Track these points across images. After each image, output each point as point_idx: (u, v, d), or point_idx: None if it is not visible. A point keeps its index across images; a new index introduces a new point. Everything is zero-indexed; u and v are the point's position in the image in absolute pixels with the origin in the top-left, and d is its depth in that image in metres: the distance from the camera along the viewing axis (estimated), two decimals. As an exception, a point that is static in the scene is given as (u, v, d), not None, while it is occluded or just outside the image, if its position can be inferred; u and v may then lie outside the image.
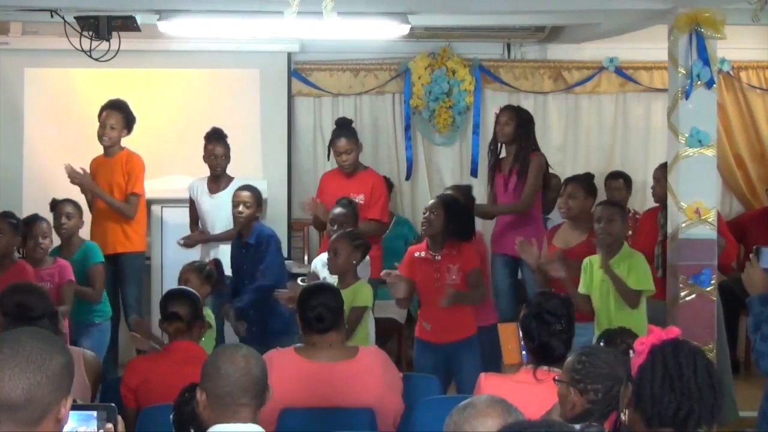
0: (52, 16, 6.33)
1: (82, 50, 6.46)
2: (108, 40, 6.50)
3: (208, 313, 5.63)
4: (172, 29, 6.50)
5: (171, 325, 4.62)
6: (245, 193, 6.32)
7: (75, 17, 6.42)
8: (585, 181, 6.27)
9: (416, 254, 5.74)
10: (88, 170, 6.89)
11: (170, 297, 4.78)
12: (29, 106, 7.96)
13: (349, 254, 5.44)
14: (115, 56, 6.55)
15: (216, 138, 6.88)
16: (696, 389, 2.63)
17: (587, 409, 3.18)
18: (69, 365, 2.33)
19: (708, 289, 5.86)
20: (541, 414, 3.32)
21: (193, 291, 4.95)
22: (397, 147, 8.30)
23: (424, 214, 5.71)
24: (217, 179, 6.91)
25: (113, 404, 2.68)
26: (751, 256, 4.26)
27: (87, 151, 7.79)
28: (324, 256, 5.91)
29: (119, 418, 2.59)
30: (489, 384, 3.93)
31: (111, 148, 6.92)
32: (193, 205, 6.97)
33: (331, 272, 5.50)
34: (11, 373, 2.23)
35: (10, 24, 7.84)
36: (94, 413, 2.58)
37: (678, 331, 2.72)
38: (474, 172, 8.24)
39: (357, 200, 6.57)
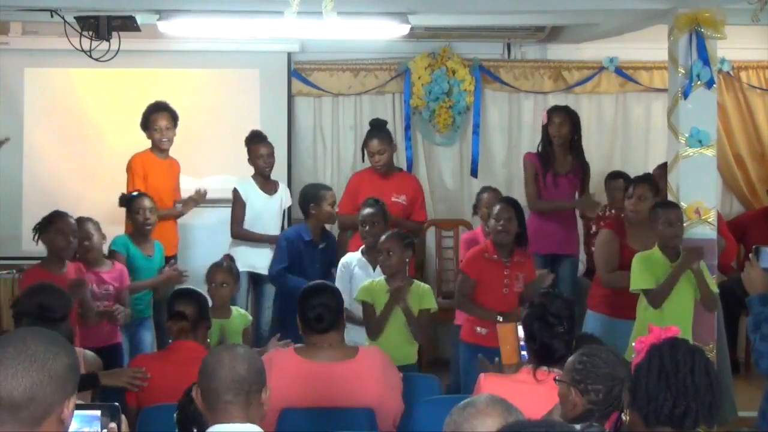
0: (52, 16, 6.33)
1: (82, 50, 6.46)
2: (108, 40, 6.50)
3: (242, 312, 5.66)
4: (172, 29, 6.50)
5: (176, 324, 4.62)
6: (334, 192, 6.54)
7: (75, 17, 6.42)
8: (651, 181, 6.14)
9: (485, 255, 5.63)
10: (133, 166, 6.84)
11: (178, 296, 4.78)
12: (29, 106, 7.95)
13: (402, 253, 5.44)
14: (115, 56, 6.55)
15: (260, 139, 6.91)
16: (693, 387, 2.63)
17: (588, 410, 3.19)
18: (74, 366, 2.33)
19: (708, 289, 5.85)
20: (542, 414, 3.32)
21: (201, 292, 4.93)
22: (397, 147, 8.30)
23: (496, 220, 5.59)
24: (267, 181, 6.94)
25: (116, 404, 2.68)
26: (750, 255, 4.27)
27: (87, 151, 7.83)
28: (356, 256, 5.88)
29: (123, 417, 2.59)
30: (489, 384, 3.93)
31: (167, 150, 6.93)
32: (239, 205, 6.91)
33: (385, 273, 5.43)
34: (14, 372, 2.23)
35: (10, 24, 7.83)
36: (98, 413, 2.58)
37: (677, 331, 2.73)
38: (474, 172, 8.24)
39: (398, 201, 6.64)
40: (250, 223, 6.90)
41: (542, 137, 7.02)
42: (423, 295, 5.41)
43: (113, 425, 2.54)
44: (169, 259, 6.72)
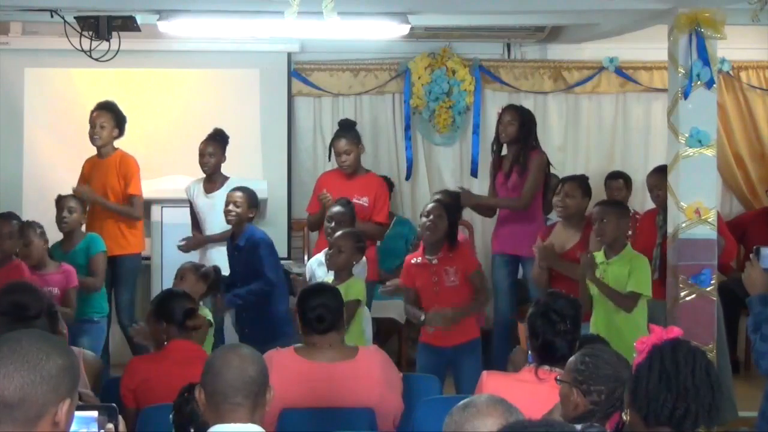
0: (52, 16, 6.33)
1: (82, 50, 6.46)
2: (108, 40, 6.49)
3: (206, 312, 5.64)
4: (172, 29, 6.49)
5: (193, 321, 4.62)
6: (237, 193, 6.32)
7: (75, 17, 6.41)
8: (582, 181, 6.32)
9: (413, 261, 5.75)
10: (81, 171, 6.93)
11: (173, 297, 4.78)
12: (29, 106, 7.95)
13: (352, 254, 5.54)
14: (115, 56, 6.55)
15: (208, 137, 6.89)
16: (693, 388, 2.63)
17: (589, 410, 3.18)
18: (69, 368, 2.31)
19: (708, 289, 5.86)
20: (543, 413, 3.32)
21: (185, 291, 4.95)
22: (397, 147, 8.30)
23: (426, 217, 5.67)
24: (212, 179, 6.90)
25: (114, 404, 2.67)
26: (751, 256, 4.27)
27: (87, 151, 7.79)
28: (320, 257, 5.91)
29: (120, 418, 2.58)
30: (491, 382, 3.94)
31: (103, 148, 6.94)
32: (192, 207, 6.97)
33: (330, 268, 5.54)
34: (6, 371, 2.23)
35: (10, 24, 7.84)
36: (95, 414, 2.57)
37: (679, 331, 2.73)
38: (474, 172, 8.24)
39: (361, 202, 6.61)
40: (200, 224, 6.91)
41: (494, 135, 7.08)
42: (348, 288, 5.41)
43: (110, 426, 2.53)
44: (118, 258, 6.79)
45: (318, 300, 4.32)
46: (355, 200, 6.53)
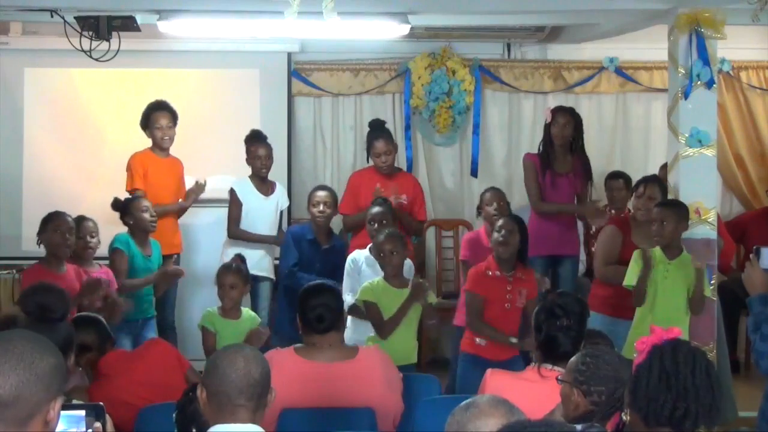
0: (52, 16, 6.33)
1: (82, 50, 6.46)
2: (108, 40, 6.50)
3: (251, 315, 5.60)
4: (172, 29, 6.50)
5: (82, 357, 4.55)
6: (324, 193, 6.44)
7: (75, 17, 6.42)
8: (662, 183, 6.19)
9: (488, 273, 5.56)
10: (135, 167, 6.87)
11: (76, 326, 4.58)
12: (29, 106, 7.95)
13: (403, 253, 5.51)
14: (115, 56, 6.55)
15: (258, 139, 6.89)
16: (693, 389, 2.63)
17: (590, 410, 3.18)
18: (60, 368, 2.34)
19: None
20: (545, 411, 3.33)
21: (95, 316, 4.91)
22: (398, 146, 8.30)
23: (498, 233, 5.56)
24: (264, 181, 6.92)
25: (101, 403, 2.67)
26: (751, 256, 4.26)
27: (87, 150, 7.82)
28: (364, 253, 5.88)
29: (108, 417, 2.59)
30: (495, 380, 3.95)
31: (168, 149, 6.94)
32: (236, 205, 6.90)
33: (392, 272, 5.44)
34: (1, 370, 2.25)
35: (10, 24, 7.83)
36: (83, 413, 2.58)
37: (679, 332, 2.73)
38: (474, 172, 8.24)
39: (400, 200, 6.65)
40: (246, 224, 6.88)
41: (544, 136, 6.97)
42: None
43: (98, 425, 2.54)
44: (169, 257, 6.71)
45: (318, 300, 4.31)
46: (395, 199, 6.58)
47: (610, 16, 6.76)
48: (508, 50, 8.46)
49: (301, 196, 7.85)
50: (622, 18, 6.71)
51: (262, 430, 2.97)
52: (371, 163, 6.94)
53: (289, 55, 8.16)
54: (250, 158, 6.89)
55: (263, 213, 6.91)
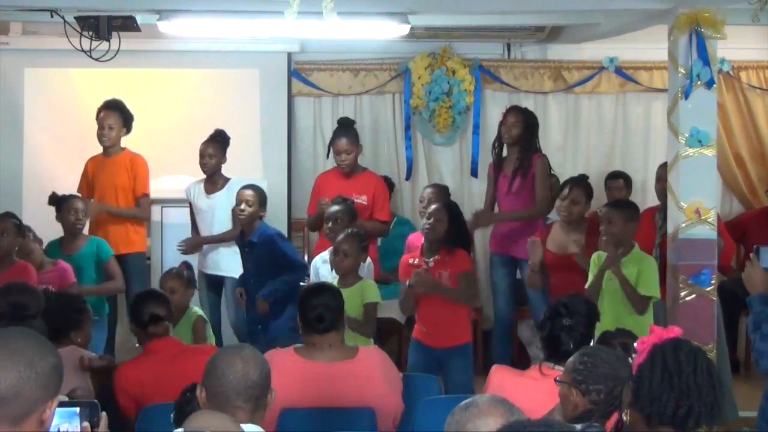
0: (52, 16, 6.32)
1: (82, 50, 6.45)
2: (108, 40, 6.49)
3: (196, 311, 5.70)
4: (172, 29, 6.49)
5: (157, 328, 4.62)
6: (248, 192, 6.34)
7: (75, 17, 6.41)
8: (587, 186, 6.32)
9: (410, 261, 5.73)
10: (83, 170, 6.91)
11: (147, 300, 4.78)
12: (29, 106, 7.95)
13: (358, 255, 5.54)
14: (115, 56, 6.54)
15: (209, 138, 6.93)
16: (695, 388, 2.63)
17: (589, 410, 3.18)
18: (59, 368, 2.35)
19: (708, 289, 5.85)
20: (547, 408, 3.33)
21: (159, 294, 5.01)
22: (397, 147, 8.30)
23: (427, 219, 5.66)
24: (212, 180, 6.92)
25: (95, 401, 2.68)
26: (751, 255, 4.27)
27: (87, 150, 7.79)
28: (324, 255, 5.92)
29: (103, 414, 2.59)
30: (498, 376, 3.99)
31: (111, 148, 6.96)
32: (192, 208, 6.97)
33: (338, 272, 5.50)
34: (2, 366, 2.24)
35: (10, 24, 7.83)
36: (77, 410, 2.58)
37: (679, 331, 2.73)
38: (474, 172, 8.24)
39: (359, 201, 6.62)
40: (203, 225, 6.94)
41: (496, 136, 7.05)
42: (363, 291, 5.48)
43: (86, 424, 2.54)
44: (124, 257, 6.78)
45: (318, 300, 4.32)
46: (354, 199, 6.54)
47: (610, 16, 6.76)
48: (508, 50, 8.46)
49: (300, 196, 7.86)
50: (622, 18, 6.71)
51: (261, 429, 2.97)
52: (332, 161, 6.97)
53: (289, 55, 8.16)
54: (199, 157, 6.93)
55: (210, 212, 6.90)
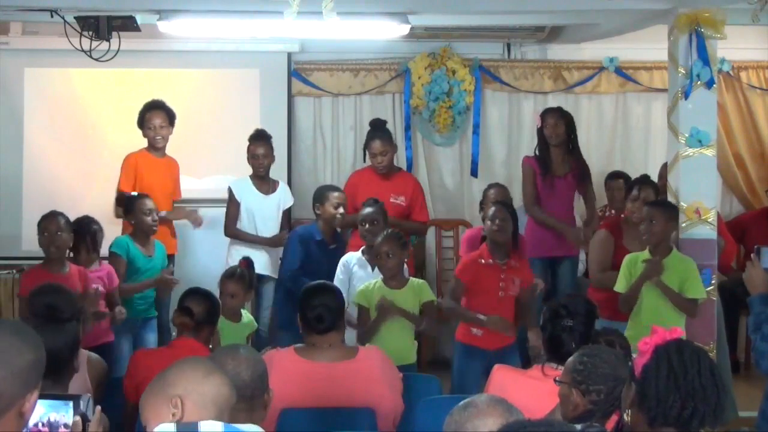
0: (52, 16, 6.32)
1: (82, 50, 6.45)
2: (108, 40, 6.49)
3: (250, 319, 5.62)
4: (172, 29, 6.49)
5: (179, 318, 4.60)
6: (343, 195, 6.36)
7: (75, 17, 6.41)
8: (654, 185, 6.19)
9: (481, 260, 5.59)
10: (127, 166, 6.86)
11: (191, 293, 4.74)
12: (29, 106, 7.95)
13: (401, 254, 5.46)
14: (115, 56, 6.55)
15: (258, 138, 6.86)
16: (700, 389, 2.64)
17: (589, 410, 3.18)
18: (39, 362, 2.33)
19: (708, 289, 5.85)
20: (549, 408, 3.33)
21: (215, 296, 4.86)
22: (398, 147, 8.29)
23: (491, 219, 5.57)
24: (263, 180, 6.88)
25: (89, 395, 2.67)
26: (752, 255, 4.26)
27: (87, 150, 7.82)
28: (357, 255, 5.88)
29: (97, 408, 2.58)
30: (501, 376, 3.99)
31: (163, 148, 6.92)
32: (233, 204, 6.88)
33: (386, 275, 5.42)
34: None
35: (10, 24, 7.84)
36: (70, 403, 2.57)
37: (682, 332, 2.74)
38: (474, 172, 8.24)
39: (397, 202, 6.64)
40: (246, 223, 6.85)
41: (538, 140, 6.99)
42: (421, 290, 5.43)
43: (77, 418, 2.53)
44: (171, 259, 6.72)
45: (318, 300, 4.31)
46: (392, 200, 6.58)
47: (610, 16, 6.76)
48: (508, 50, 8.46)
49: (300, 196, 7.85)
50: (622, 18, 6.71)
51: (261, 430, 2.97)
52: (368, 162, 6.93)
53: (289, 55, 8.16)
54: (250, 157, 6.86)
55: (263, 212, 6.88)
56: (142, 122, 6.92)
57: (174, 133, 7.18)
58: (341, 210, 6.30)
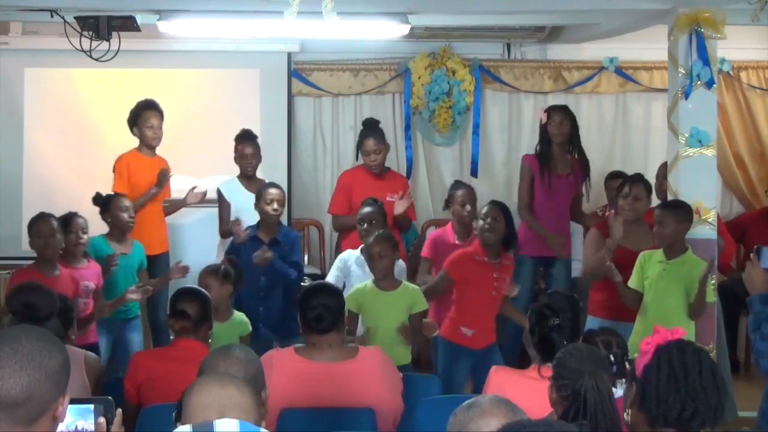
0: (52, 16, 6.33)
1: (82, 50, 6.46)
2: (108, 40, 6.50)
3: (242, 319, 5.60)
4: (172, 29, 6.50)
5: (177, 323, 4.60)
6: (278, 191, 6.30)
7: (75, 17, 6.42)
8: (646, 182, 6.13)
9: (475, 257, 5.57)
10: (119, 167, 6.86)
11: (181, 295, 4.75)
12: (29, 106, 7.95)
13: (392, 254, 5.45)
14: (115, 56, 6.55)
15: (245, 138, 6.84)
16: (701, 389, 2.63)
17: (566, 407, 3.12)
18: (67, 363, 2.34)
19: (708, 289, 5.86)
20: (547, 409, 3.32)
21: (204, 292, 4.86)
22: (397, 147, 8.29)
23: (484, 218, 5.55)
24: (251, 180, 6.87)
25: (110, 397, 2.67)
26: (752, 255, 4.27)
27: (87, 150, 7.82)
28: (355, 254, 5.88)
29: (119, 411, 2.58)
30: (499, 377, 3.98)
31: (155, 148, 6.92)
32: (224, 205, 6.88)
33: (378, 275, 5.40)
34: (11, 371, 2.23)
35: (10, 24, 7.84)
36: (92, 407, 2.57)
37: (683, 332, 2.73)
38: (474, 172, 8.24)
39: (394, 200, 6.64)
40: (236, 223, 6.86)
41: (540, 137, 6.92)
42: (414, 298, 5.39)
43: (102, 420, 2.53)
44: (156, 257, 6.69)
45: (318, 300, 4.30)
46: (388, 198, 6.58)
47: (610, 16, 6.77)
48: (508, 50, 8.47)
49: (301, 196, 7.87)
50: (622, 18, 6.71)
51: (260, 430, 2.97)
52: (360, 161, 6.93)
53: (289, 55, 8.17)
54: (237, 157, 6.84)
55: (252, 210, 6.86)
56: (137, 121, 6.89)
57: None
58: (275, 206, 6.22)
